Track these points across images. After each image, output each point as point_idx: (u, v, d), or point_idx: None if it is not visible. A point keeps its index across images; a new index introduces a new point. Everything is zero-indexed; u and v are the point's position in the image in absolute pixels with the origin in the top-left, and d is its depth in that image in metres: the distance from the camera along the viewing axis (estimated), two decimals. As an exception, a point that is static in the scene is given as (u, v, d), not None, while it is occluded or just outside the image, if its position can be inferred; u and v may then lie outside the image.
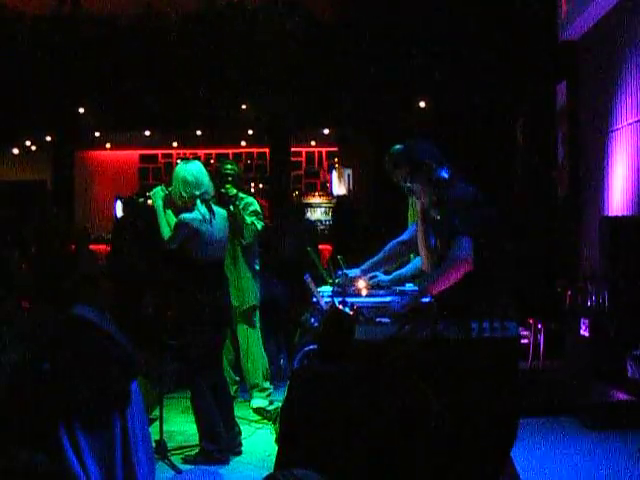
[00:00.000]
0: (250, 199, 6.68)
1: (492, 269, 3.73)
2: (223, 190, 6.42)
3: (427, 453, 3.32)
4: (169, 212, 5.36)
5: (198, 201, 5.29)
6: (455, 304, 3.67)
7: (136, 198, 6.00)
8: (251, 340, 6.70)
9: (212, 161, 14.55)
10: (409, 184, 3.98)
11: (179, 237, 5.25)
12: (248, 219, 6.49)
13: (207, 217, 5.30)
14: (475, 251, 3.66)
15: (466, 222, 3.69)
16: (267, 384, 6.75)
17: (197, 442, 5.36)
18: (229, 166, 6.64)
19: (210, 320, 5.32)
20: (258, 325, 6.79)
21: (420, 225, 3.99)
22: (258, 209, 6.64)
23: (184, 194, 5.28)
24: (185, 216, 5.26)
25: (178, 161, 14.67)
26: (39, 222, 10.46)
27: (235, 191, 6.51)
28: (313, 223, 11.51)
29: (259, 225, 6.56)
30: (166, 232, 5.27)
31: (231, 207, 6.39)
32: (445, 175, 3.91)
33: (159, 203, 5.31)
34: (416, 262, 5.22)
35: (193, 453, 5.37)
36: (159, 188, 5.38)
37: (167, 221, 5.31)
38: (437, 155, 3.95)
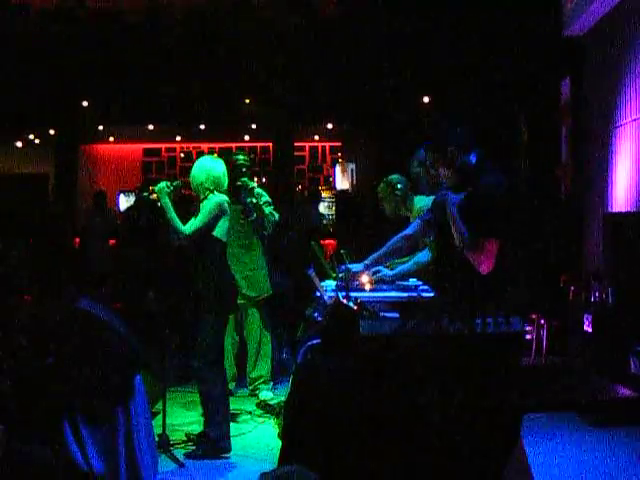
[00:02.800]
0: (259, 190, 6.68)
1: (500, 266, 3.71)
2: (239, 183, 6.41)
3: (429, 449, 3.33)
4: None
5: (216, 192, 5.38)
6: (460, 300, 3.66)
7: (139, 193, 6.00)
8: (265, 331, 6.72)
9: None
10: (432, 170, 3.90)
11: (210, 219, 5.23)
12: (266, 209, 6.51)
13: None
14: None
15: (496, 223, 3.60)
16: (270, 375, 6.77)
17: (201, 436, 5.35)
18: (242, 157, 6.63)
19: (224, 302, 5.36)
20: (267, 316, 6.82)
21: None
22: (269, 199, 6.66)
23: (208, 186, 5.33)
24: (216, 198, 5.30)
25: (204, 151, 14.61)
26: (43, 215, 10.46)
27: (253, 183, 6.50)
28: (317, 221, 11.49)
29: (276, 215, 6.62)
30: (181, 226, 5.22)
31: (253, 199, 6.39)
32: (472, 160, 3.81)
33: (166, 200, 5.22)
34: (419, 257, 5.23)
35: (196, 447, 5.35)
36: (164, 184, 5.28)
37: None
38: (464, 140, 3.84)
